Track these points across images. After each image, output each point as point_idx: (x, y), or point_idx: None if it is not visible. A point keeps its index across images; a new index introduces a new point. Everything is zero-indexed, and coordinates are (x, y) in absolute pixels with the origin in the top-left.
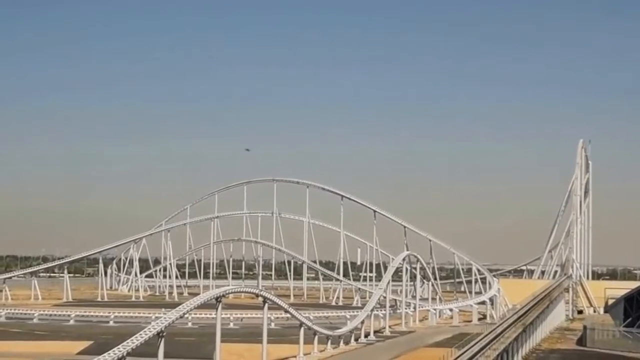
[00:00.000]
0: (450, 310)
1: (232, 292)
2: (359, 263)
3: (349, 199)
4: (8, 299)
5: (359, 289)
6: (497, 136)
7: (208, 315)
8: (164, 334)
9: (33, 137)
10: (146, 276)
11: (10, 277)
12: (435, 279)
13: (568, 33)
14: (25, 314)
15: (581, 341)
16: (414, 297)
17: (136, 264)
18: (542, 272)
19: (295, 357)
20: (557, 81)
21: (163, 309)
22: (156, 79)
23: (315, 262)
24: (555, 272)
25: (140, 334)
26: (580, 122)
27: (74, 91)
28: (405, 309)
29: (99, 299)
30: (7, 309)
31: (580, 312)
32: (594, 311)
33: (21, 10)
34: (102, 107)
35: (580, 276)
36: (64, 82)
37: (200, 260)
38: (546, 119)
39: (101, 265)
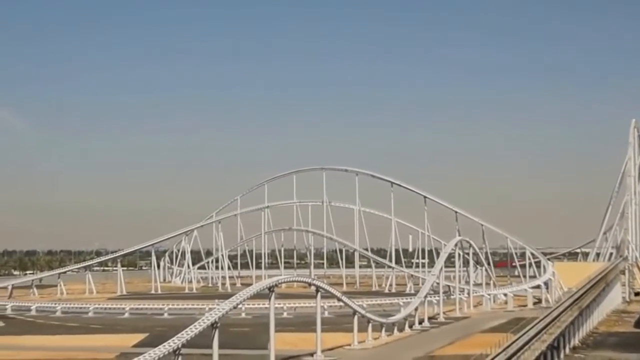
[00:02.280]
0: (505, 295)
1: (284, 282)
2: (410, 250)
3: (399, 185)
4: (63, 294)
5: (412, 275)
6: (548, 118)
7: (261, 306)
8: (218, 324)
9: (77, 133)
10: (199, 268)
11: (64, 272)
12: (488, 264)
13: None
14: (80, 308)
15: (639, 323)
16: (467, 282)
17: (188, 255)
18: (597, 255)
19: (349, 345)
20: (607, 61)
21: (216, 300)
22: (200, 67)
23: (366, 249)
24: (611, 254)
25: (195, 326)
26: (632, 101)
27: (117, 81)
28: (459, 294)
29: (153, 292)
30: (62, 304)
31: (637, 294)
32: None
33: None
34: (146, 97)
35: (636, 258)
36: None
37: (252, 250)
38: (598, 99)
39: (154, 258)
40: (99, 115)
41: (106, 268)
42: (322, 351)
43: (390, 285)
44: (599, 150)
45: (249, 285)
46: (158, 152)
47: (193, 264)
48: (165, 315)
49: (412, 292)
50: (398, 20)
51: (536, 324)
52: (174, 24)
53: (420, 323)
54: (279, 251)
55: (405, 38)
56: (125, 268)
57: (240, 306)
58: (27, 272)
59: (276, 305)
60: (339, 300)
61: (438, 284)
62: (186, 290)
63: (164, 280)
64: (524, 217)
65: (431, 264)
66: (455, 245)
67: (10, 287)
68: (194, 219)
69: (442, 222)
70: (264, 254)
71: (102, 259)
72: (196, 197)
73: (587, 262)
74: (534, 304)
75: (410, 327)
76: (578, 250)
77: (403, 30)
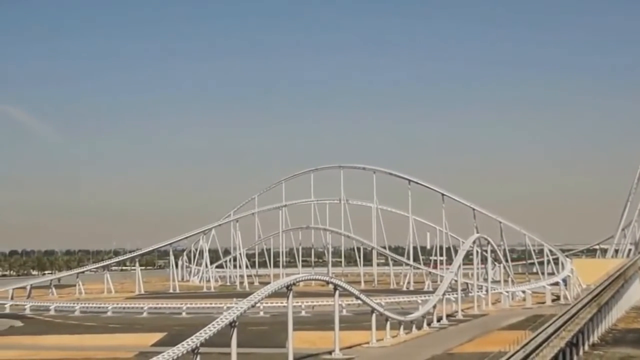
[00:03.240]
0: (523, 292)
1: (302, 280)
2: (428, 247)
3: (417, 183)
4: (82, 293)
5: (430, 273)
6: (565, 115)
7: (279, 304)
8: (237, 323)
9: (95, 133)
10: (216, 267)
11: (83, 272)
12: (506, 261)
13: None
14: (99, 307)
15: None
16: (485, 280)
17: (206, 254)
18: (616, 251)
19: (368, 343)
20: (624, 55)
21: (234, 299)
22: (216, 65)
23: (384, 247)
24: (629, 250)
25: (213, 324)
26: None
27: (133, 80)
28: (477, 292)
29: (171, 291)
30: (81, 303)
31: None
32: None
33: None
34: (163, 96)
35: None
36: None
37: (270, 249)
38: (615, 94)
39: (172, 257)
40: (115, 115)
41: (124, 267)
42: (341, 349)
43: (409, 283)
44: (617, 146)
45: (267, 283)
46: (176, 151)
47: (211, 263)
48: (184, 314)
49: (430, 289)
50: (413, 15)
51: (555, 321)
52: (185, 22)
53: (438, 321)
54: (297, 250)
55: (419, 33)
56: (143, 267)
57: (258, 305)
58: (46, 272)
59: (294, 304)
60: (357, 298)
61: (456, 281)
62: (204, 289)
63: (182, 279)
64: (542, 214)
65: (449, 261)
66: (474, 242)
67: (28, 287)
68: (211, 218)
69: (459, 220)
70: (282, 252)
71: (120, 258)
72: (214, 196)
73: (605, 259)
74: (553, 301)
75: (429, 325)
76: (596, 247)
77: (416, 24)
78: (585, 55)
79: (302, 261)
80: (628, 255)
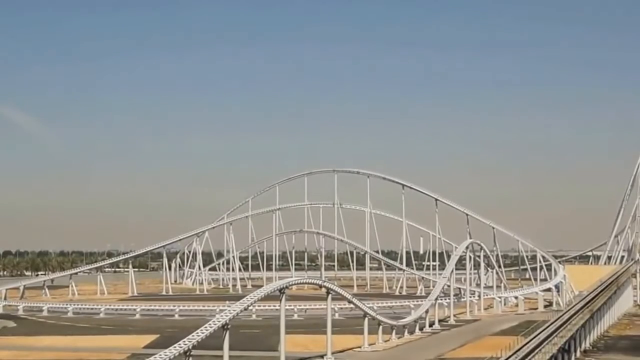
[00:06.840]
0: (516, 297)
1: (295, 284)
2: (421, 252)
3: (410, 187)
4: (75, 295)
5: (423, 278)
6: (561, 121)
7: (272, 307)
8: (229, 326)
9: (88, 134)
10: (210, 269)
11: (76, 273)
12: (499, 266)
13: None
14: (91, 308)
15: None
16: (478, 285)
17: (199, 257)
18: (609, 258)
19: (360, 347)
20: (619, 66)
21: (227, 302)
22: (211, 67)
23: (377, 252)
24: (622, 257)
25: (206, 327)
26: None
27: (126, 79)
28: (470, 297)
29: (164, 293)
30: (74, 304)
31: None
32: None
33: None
34: (158, 97)
35: None
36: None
37: (263, 252)
38: (610, 102)
39: (165, 259)
40: (110, 117)
41: (117, 269)
42: (333, 353)
43: (401, 287)
44: (611, 153)
45: (260, 287)
46: (170, 153)
47: (204, 266)
48: (176, 316)
49: (423, 294)
50: (408, 18)
51: (547, 327)
52: (184, 22)
53: (430, 325)
54: (290, 253)
55: (416, 34)
56: (136, 269)
57: (250, 308)
58: (39, 272)
59: (287, 307)
60: (350, 302)
61: (449, 286)
62: (197, 292)
63: (175, 281)
64: (535, 220)
65: (442, 266)
66: (467, 247)
67: (22, 288)
68: (205, 221)
69: (453, 225)
70: (275, 255)
71: (114, 260)
72: (207, 198)
73: (598, 265)
74: (545, 306)
75: (421, 329)
76: (589, 253)
77: (414, 26)
78: (582, 52)
79: (295, 264)
80: (621, 262)
